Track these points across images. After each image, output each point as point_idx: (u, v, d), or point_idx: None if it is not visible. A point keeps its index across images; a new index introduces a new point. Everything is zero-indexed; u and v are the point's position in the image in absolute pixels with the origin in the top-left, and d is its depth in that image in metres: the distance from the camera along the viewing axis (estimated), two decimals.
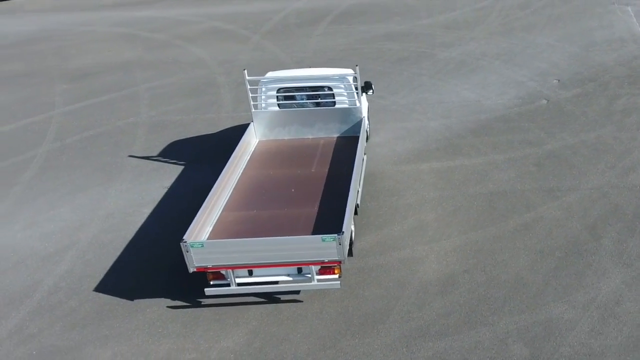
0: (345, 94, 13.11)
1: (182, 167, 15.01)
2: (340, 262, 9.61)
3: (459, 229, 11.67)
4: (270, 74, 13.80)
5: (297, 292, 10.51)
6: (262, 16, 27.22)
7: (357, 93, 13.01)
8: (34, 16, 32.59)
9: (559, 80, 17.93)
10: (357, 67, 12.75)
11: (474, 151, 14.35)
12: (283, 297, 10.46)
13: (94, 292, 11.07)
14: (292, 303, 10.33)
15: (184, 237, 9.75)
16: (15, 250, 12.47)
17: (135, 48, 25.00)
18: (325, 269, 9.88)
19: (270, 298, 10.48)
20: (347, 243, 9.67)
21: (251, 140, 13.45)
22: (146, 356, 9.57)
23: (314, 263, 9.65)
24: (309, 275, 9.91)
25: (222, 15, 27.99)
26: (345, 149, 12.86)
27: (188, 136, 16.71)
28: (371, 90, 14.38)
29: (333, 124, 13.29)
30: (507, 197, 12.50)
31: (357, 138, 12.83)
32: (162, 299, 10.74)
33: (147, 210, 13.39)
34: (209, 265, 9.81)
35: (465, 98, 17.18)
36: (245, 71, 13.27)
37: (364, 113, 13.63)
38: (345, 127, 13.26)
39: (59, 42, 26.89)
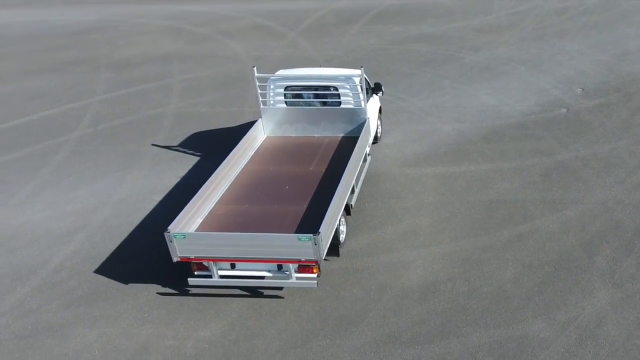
0: (351, 94, 12.76)
1: (197, 158, 15.02)
2: (316, 261, 9.36)
3: (451, 236, 11.18)
4: (280, 72, 13.61)
5: (280, 288, 10.32)
6: (303, 14, 26.99)
7: (362, 94, 12.64)
8: (95, 7, 33.40)
9: (583, 89, 16.96)
10: (362, 69, 12.38)
11: (482, 158, 13.73)
12: (266, 292, 10.29)
13: (94, 274, 11.18)
14: (273, 299, 10.14)
15: (168, 228, 9.71)
16: (32, 228, 12.75)
17: (178, 41, 25.24)
18: (304, 267, 9.64)
19: (254, 292, 10.32)
20: (324, 243, 9.40)
21: (258, 136, 13.29)
22: (128, 339, 9.59)
23: (291, 261, 9.43)
24: (288, 273, 9.71)
25: (265, 12, 27.94)
26: (347, 149, 12.52)
27: (209, 128, 16.72)
28: (381, 92, 13.96)
29: (338, 123, 12.98)
30: (506, 206, 11.89)
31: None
32: (154, 285, 10.75)
33: (157, 198, 13.46)
34: (192, 256, 9.75)
35: (483, 103, 16.48)
36: (255, 68, 13.12)
37: (369, 114, 13.24)
38: (350, 128, 12.92)
39: (111, 33, 27.44)
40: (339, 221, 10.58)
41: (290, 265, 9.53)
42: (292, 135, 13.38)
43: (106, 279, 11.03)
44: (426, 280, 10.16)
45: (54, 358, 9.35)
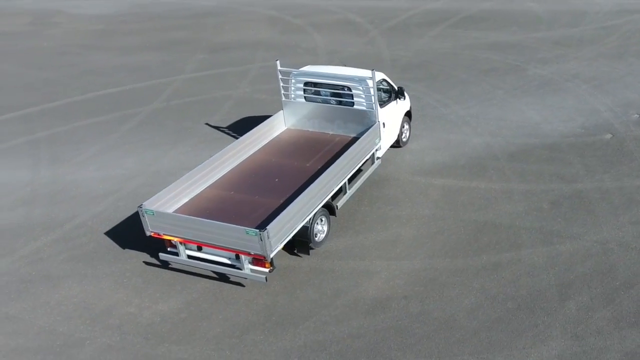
0: (363, 96, 11.83)
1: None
2: (263, 257, 8.83)
3: (429, 252, 10.03)
4: (305, 68, 12.97)
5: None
6: (393, 13, 25.70)
7: (373, 97, 11.67)
8: None
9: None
10: (374, 71, 11.40)
11: (498, 176, 12.17)
12: (232, 279, 9.93)
13: (103, 235, 11.48)
14: (235, 286, 9.76)
15: (143, 203, 9.66)
16: (78, 186, 13.37)
17: (273, 30, 25.20)
18: (258, 261, 9.15)
19: (222, 276, 10.01)
20: (274, 241, 8.81)
21: (277, 127, 12.83)
22: (100, 300, 9.73)
23: (242, 252, 9.01)
24: (242, 264, 9.27)
25: (359, 8, 26.99)
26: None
27: (260, 114, 16.51)
28: (403, 97, 12.85)
29: (350, 123, 12.14)
30: (499, 230, 10.43)
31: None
32: (145, 254, 10.79)
33: (186, 172, 13.51)
34: (161, 232, 9.64)
35: (526, 118, 14.59)
36: (278, 62, 12.62)
37: (385, 119, 12.23)
38: (361, 129, 12.02)
39: (221, 18, 28.02)
40: (313, 220, 9.92)
41: (242, 256, 9.10)
42: (310, 129, 12.76)
43: (110, 241, 11.28)
44: (382, 294, 9.22)
45: (38, 304, 9.73)
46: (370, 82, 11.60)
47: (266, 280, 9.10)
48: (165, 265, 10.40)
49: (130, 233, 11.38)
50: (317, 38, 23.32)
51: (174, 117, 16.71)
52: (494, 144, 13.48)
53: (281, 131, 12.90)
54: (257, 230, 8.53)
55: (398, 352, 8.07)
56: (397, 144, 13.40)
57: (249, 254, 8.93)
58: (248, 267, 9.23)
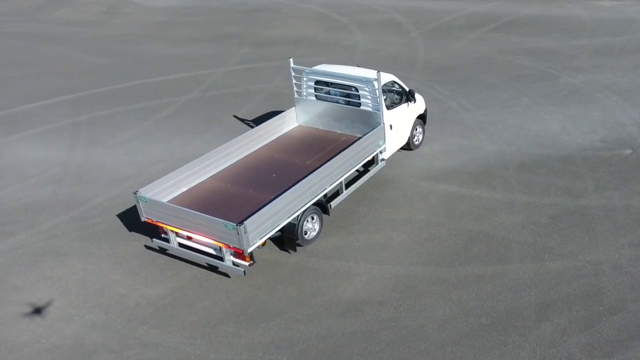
0: (369, 97, 11.38)
1: None
2: (241, 250, 8.66)
3: (414, 259, 9.53)
4: (319, 67, 12.64)
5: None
6: (437, 14, 24.74)
7: (378, 98, 11.20)
8: None
9: None
10: (379, 73, 10.93)
11: (503, 185, 11.40)
12: (220, 269, 9.83)
13: (116, 216, 11.67)
14: (221, 276, 9.66)
15: (139, 190, 9.71)
16: (106, 168, 13.68)
17: (319, 27, 24.86)
18: (239, 254, 9.00)
19: (212, 266, 9.90)
20: (252, 236, 8.63)
21: (289, 123, 12.60)
22: (97, 279, 9.89)
23: (222, 244, 8.89)
24: (224, 255, 9.15)
25: (406, 9, 26.18)
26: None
27: (286, 108, 16.30)
28: (414, 100, 12.26)
29: (357, 124, 11.73)
30: (490, 242, 9.75)
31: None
32: (147, 238, 10.85)
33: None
34: (154, 219, 9.67)
35: (546, 128, 13.58)
36: (291, 59, 12.35)
37: (392, 121, 11.72)
38: (366, 129, 11.57)
39: (274, 14, 27.93)
40: (302, 218, 9.65)
41: (223, 248, 8.98)
42: (319, 127, 12.45)
43: (120, 223, 11.44)
44: (359, 297, 8.84)
45: (41, 278, 10.00)
46: (376, 84, 11.15)
47: (244, 273, 8.95)
48: (162, 250, 10.44)
49: (139, 217, 11.50)
50: (358, 36, 22.81)
51: (206, 108, 16.81)
52: (507, 152, 12.66)
53: (292, 127, 12.67)
54: (235, 224, 8.37)
55: (360, 357, 7.71)
56: (408, 147, 12.87)
57: (229, 246, 8.80)
58: (230, 259, 9.10)
